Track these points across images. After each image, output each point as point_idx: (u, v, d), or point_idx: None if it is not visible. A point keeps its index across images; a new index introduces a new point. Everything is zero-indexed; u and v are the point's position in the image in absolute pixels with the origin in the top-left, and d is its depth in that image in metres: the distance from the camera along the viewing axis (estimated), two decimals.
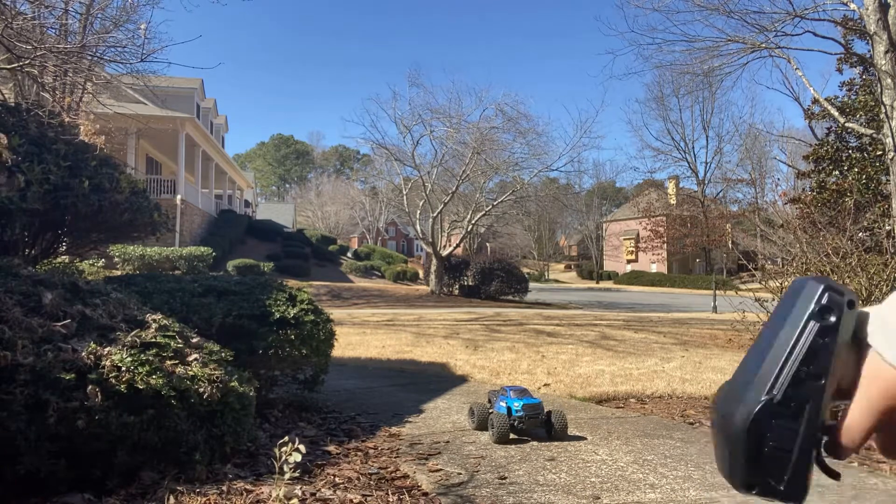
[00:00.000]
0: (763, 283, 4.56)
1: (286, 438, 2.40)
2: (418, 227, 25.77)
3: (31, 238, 4.43)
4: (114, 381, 2.40)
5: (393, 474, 2.95)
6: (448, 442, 3.60)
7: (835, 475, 0.51)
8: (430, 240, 25.45)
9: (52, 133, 4.17)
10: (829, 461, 0.50)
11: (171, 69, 20.63)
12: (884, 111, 10.98)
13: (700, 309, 21.57)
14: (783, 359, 0.50)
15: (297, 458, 2.33)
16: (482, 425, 3.79)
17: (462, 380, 6.11)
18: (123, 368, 2.45)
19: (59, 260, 5.79)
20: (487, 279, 25.20)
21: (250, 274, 18.56)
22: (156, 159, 29.71)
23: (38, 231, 4.41)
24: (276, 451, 2.36)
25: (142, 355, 2.56)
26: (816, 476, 0.49)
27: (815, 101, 21.09)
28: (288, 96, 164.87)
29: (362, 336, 10.03)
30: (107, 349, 2.51)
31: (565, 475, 2.98)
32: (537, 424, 3.63)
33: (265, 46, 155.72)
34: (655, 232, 52.19)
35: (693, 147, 54.53)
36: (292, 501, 2.29)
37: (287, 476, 2.34)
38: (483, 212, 25.93)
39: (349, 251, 46.21)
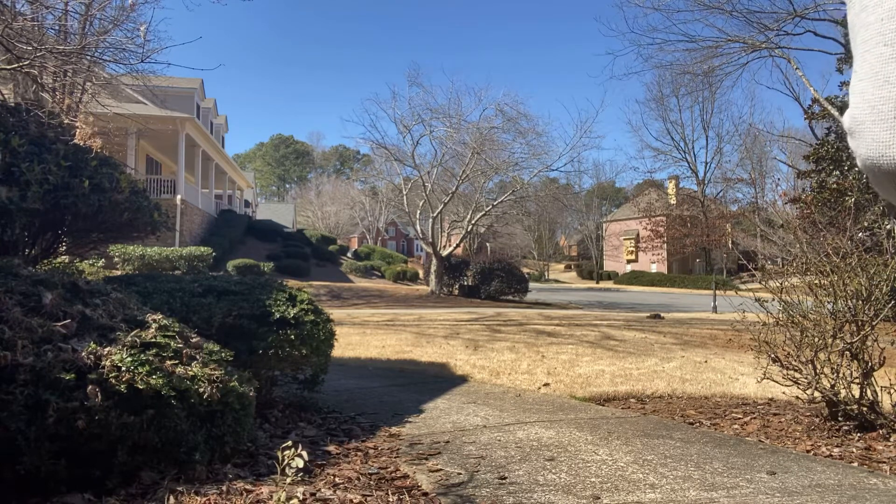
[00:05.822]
0: (763, 283, 4.54)
1: (290, 442, 2.39)
2: (418, 227, 25.78)
3: (31, 238, 4.42)
4: (114, 381, 2.40)
5: (393, 474, 2.94)
6: (448, 442, 3.60)
7: None
8: (430, 240, 25.45)
9: (52, 133, 4.17)
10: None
11: (170, 69, 20.67)
12: None
13: (700, 309, 21.57)
14: None
15: (300, 463, 2.32)
16: None
17: (462, 380, 6.11)
18: (123, 368, 2.45)
19: (59, 260, 5.78)
20: (487, 279, 25.21)
21: (250, 274, 18.55)
22: (156, 159, 29.71)
23: (38, 231, 4.41)
24: (279, 454, 2.35)
25: (142, 355, 2.56)
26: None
27: (816, 101, 21.09)
28: (287, 97, 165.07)
29: (362, 336, 10.02)
30: (107, 349, 2.51)
31: (565, 475, 2.98)
32: None
33: (264, 48, 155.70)
34: (655, 232, 52.21)
35: (693, 147, 54.63)
36: (292, 501, 2.29)
37: (289, 480, 2.34)
38: (483, 212, 25.95)
39: (349, 251, 46.23)
